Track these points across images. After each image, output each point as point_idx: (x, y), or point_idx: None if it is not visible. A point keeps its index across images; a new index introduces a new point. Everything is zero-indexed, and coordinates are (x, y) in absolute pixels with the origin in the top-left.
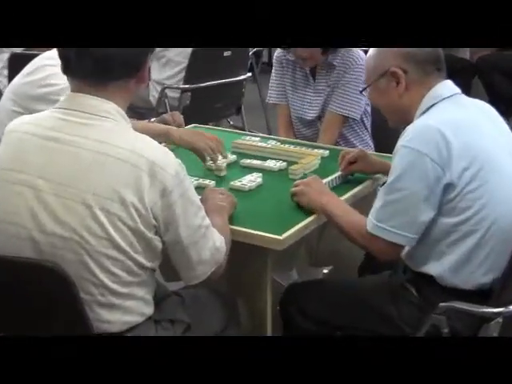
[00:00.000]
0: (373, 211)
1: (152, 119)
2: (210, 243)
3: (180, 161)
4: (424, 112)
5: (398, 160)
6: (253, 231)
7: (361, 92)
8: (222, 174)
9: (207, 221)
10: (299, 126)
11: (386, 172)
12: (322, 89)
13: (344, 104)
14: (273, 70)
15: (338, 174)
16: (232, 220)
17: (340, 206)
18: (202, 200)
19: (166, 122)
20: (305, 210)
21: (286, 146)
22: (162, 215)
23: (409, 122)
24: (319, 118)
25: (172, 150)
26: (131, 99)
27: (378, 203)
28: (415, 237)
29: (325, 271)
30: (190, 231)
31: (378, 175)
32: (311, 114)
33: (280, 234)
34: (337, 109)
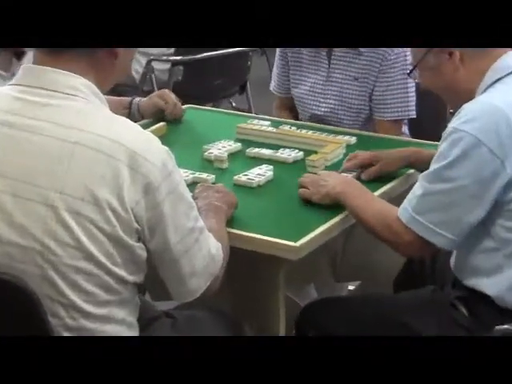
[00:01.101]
0: (410, 198)
1: (136, 99)
2: (204, 250)
3: (167, 148)
4: (487, 88)
5: (449, 145)
6: (261, 237)
7: (408, 74)
8: (224, 166)
9: (201, 223)
10: (308, 121)
11: (418, 163)
12: (339, 77)
13: (398, 106)
14: (276, 52)
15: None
16: (235, 223)
17: (361, 192)
18: (193, 199)
19: (156, 106)
20: (327, 211)
21: (303, 131)
22: (147, 217)
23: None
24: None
25: (159, 138)
26: (112, 78)
27: (417, 190)
28: (455, 239)
29: (350, 287)
30: (181, 236)
31: (411, 171)
32: (323, 109)
33: (295, 241)
34: (393, 114)
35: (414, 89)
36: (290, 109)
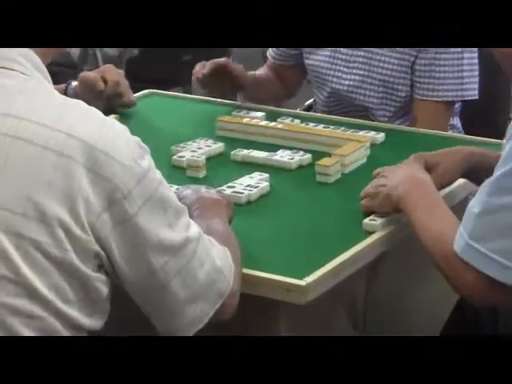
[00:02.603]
0: (466, 220)
1: (73, 83)
2: (206, 265)
3: (138, 139)
4: None
5: None
6: (254, 273)
7: None
8: (201, 174)
9: (195, 229)
10: (326, 101)
11: (481, 170)
12: None
13: (450, 83)
14: None
15: None
16: None
17: (427, 199)
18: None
19: (89, 87)
20: (344, 238)
21: (311, 125)
22: (115, 236)
23: None
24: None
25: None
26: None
27: (474, 208)
28: None
29: None
30: (170, 254)
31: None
32: (347, 82)
33: (301, 278)
34: (442, 93)
35: (473, 60)
36: (281, 78)
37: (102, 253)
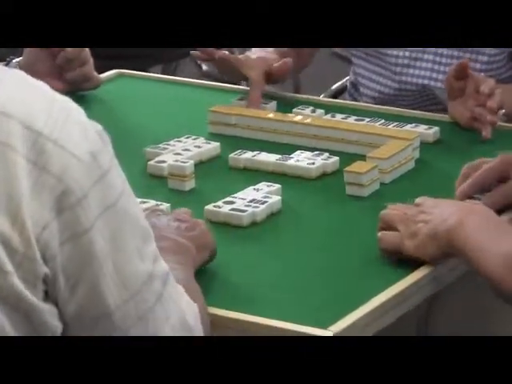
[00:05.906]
0: None
1: (15, 60)
2: (173, 318)
3: (100, 127)
4: None
5: None
6: (263, 321)
7: None
8: (188, 186)
9: (163, 265)
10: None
11: None
12: None
13: None
14: None
15: None
16: (211, 294)
17: (490, 226)
18: None
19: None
20: (382, 274)
21: (339, 117)
22: (62, 254)
23: None
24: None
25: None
26: None
27: None
28: None
29: None
30: (130, 290)
31: None
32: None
33: (325, 326)
34: None
35: None
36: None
37: (50, 274)
